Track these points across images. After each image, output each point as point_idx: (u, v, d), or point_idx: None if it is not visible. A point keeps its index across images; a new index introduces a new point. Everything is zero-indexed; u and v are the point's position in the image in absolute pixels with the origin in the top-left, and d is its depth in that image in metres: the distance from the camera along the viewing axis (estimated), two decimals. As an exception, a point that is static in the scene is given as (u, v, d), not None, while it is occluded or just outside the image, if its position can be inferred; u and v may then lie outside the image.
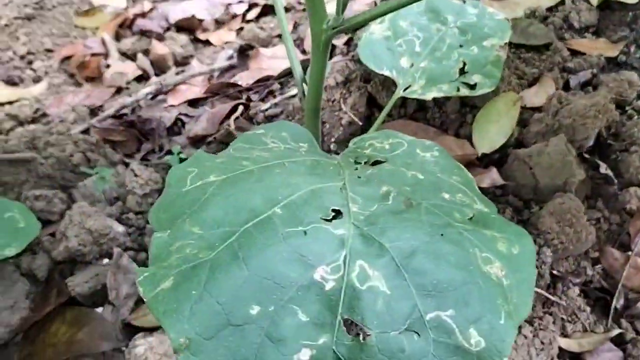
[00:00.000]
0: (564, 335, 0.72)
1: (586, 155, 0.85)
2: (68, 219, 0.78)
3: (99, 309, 0.73)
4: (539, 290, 0.71)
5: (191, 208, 0.42)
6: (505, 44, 0.92)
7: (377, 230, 0.41)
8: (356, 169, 0.53)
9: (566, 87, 0.99)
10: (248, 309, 0.35)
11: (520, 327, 0.66)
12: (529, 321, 0.67)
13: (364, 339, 0.36)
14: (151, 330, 0.72)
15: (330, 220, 0.41)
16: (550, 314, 0.72)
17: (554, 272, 0.75)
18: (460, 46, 0.92)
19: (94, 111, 1.19)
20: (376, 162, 0.55)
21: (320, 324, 0.36)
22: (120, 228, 0.83)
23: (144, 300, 0.36)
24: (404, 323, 0.37)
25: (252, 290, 0.36)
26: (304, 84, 0.77)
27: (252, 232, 0.39)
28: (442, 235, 0.41)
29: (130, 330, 0.73)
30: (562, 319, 0.73)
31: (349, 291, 0.37)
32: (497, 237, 0.44)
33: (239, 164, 0.48)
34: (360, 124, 0.96)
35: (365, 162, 0.55)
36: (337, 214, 0.42)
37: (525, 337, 0.64)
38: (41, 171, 0.91)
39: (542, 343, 0.65)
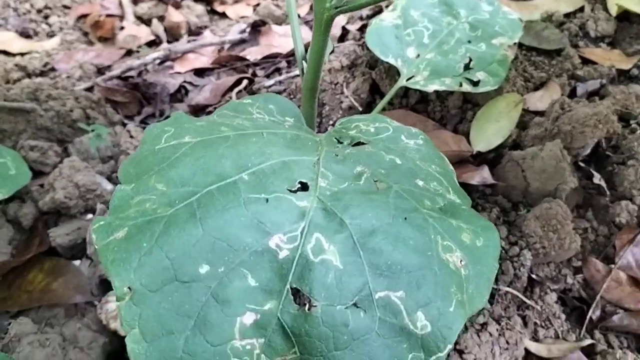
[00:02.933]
0: (535, 339, 0.71)
1: (581, 164, 0.84)
2: (58, 171, 0.79)
3: (77, 262, 0.74)
4: (513, 291, 0.71)
5: (160, 165, 0.42)
6: (515, 44, 0.91)
7: (340, 206, 0.41)
8: (337, 147, 0.53)
9: (573, 94, 0.97)
10: (197, 268, 0.36)
11: (486, 325, 0.65)
12: (497, 320, 0.67)
13: (309, 309, 0.36)
14: (126, 288, 0.73)
15: (295, 192, 0.41)
16: (524, 317, 0.72)
17: (533, 276, 0.75)
18: (469, 42, 0.91)
19: (100, 70, 1.19)
20: (358, 144, 0.54)
21: (268, 290, 0.36)
22: (109, 186, 0.84)
23: (96, 247, 0.36)
24: (352, 299, 0.37)
25: (204, 250, 0.36)
26: (303, 62, 0.76)
27: (215, 194, 0.39)
28: (405, 218, 0.41)
29: (105, 286, 0.74)
30: (536, 323, 0.73)
31: (302, 261, 0.37)
32: (463, 227, 0.44)
33: (218, 129, 0.48)
34: (360, 109, 0.95)
35: (348, 143, 0.55)
36: (304, 186, 0.42)
37: (491, 334, 0.64)
38: (39, 123, 0.91)
39: (507, 343, 0.65)
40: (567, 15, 1.13)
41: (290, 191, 0.41)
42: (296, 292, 0.37)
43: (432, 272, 0.39)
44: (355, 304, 0.36)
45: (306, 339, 0.35)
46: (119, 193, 0.40)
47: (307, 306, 0.36)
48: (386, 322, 0.36)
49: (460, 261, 0.41)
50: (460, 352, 0.61)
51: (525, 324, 0.70)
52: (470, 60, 0.87)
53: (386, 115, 0.95)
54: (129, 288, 0.34)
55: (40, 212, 0.79)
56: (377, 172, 0.47)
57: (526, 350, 0.68)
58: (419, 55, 0.90)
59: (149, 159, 0.44)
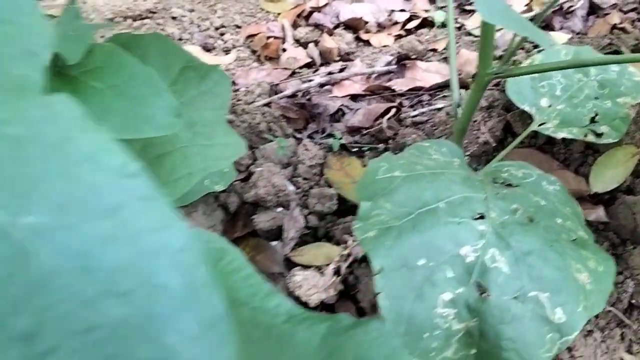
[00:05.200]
0: (630, 352, 0.88)
1: (688, 214, 0.98)
2: (259, 173, 1.04)
3: (273, 243, 0.99)
4: (615, 310, 0.87)
5: (383, 191, 0.65)
6: (638, 103, 1.06)
7: (507, 232, 0.61)
8: (495, 187, 0.73)
9: (687, 149, 1.10)
10: (418, 260, 0.57)
11: (592, 332, 0.83)
12: (601, 329, 0.84)
13: (485, 297, 0.57)
14: (305, 266, 0.97)
15: (475, 219, 0.62)
16: (622, 333, 0.88)
17: (633, 301, 0.91)
18: (596, 98, 1.07)
19: (272, 88, 1.45)
20: (509, 185, 0.74)
21: (460, 280, 0.57)
22: (291, 187, 1.08)
23: (358, 239, 0.59)
24: (514, 294, 0.57)
25: (422, 250, 0.58)
26: (458, 109, 0.97)
27: (424, 215, 0.61)
28: (551, 246, 0.61)
29: (290, 264, 0.98)
30: (631, 339, 0.89)
31: (482, 266, 0.58)
32: (589, 256, 0.63)
33: (414, 167, 0.70)
34: (494, 145, 1.14)
35: (501, 183, 0.75)
36: (481, 216, 0.63)
37: (595, 339, 0.81)
38: (238, 132, 1.18)
39: (607, 348, 0.82)
40: (690, 74, 1.25)
41: (473, 218, 0.62)
42: (478, 285, 0.57)
43: (567, 284, 0.58)
44: (515, 297, 0.57)
45: (483, 314, 0.56)
46: (364, 206, 0.63)
47: (484, 294, 0.57)
48: (536, 312, 0.56)
49: (587, 279, 0.60)
50: (570, 349, 0.79)
51: (622, 339, 0.86)
52: (596, 114, 1.04)
53: (516, 153, 1.13)
54: (380, 267, 0.56)
55: (243, 202, 1.05)
56: (527, 210, 0.67)
57: (621, 359, 0.85)
58: (550, 105, 1.07)
59: (374, 185, 0.66)
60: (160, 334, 0.24)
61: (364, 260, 0.98)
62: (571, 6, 1.67)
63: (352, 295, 0.93)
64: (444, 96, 1.34)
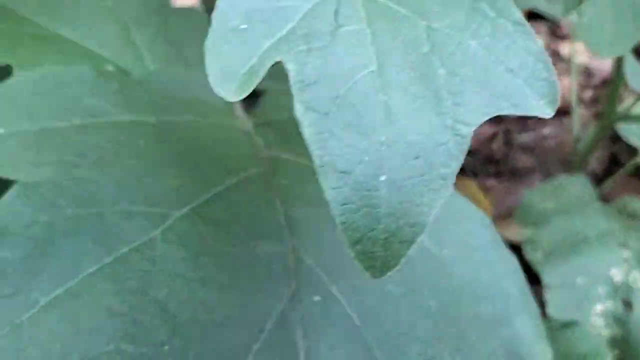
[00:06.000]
0: None
1: None
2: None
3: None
4: None
5: (542, 220, 0.81)
6: None
7: (644, 260, 0.77)
8: (625, 218, 0.88)
9: None
10: (576, 279, 0.74)
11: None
12: None
13: (630, 310, 0.73)
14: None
15: (620, 248, 0.78)
16: None
17: None
18: (699, 137, 1.20)
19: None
20: (636, 218, 0.90)
21: (609, 296, 0.74)
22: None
23: (529, 260, 0.76)
24: (653, 310, 0.73)
25: (580, 271, 0.74)
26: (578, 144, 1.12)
27: (579, 242, 0.77)
28: (680, 273, 0.76)
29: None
30: None
31: (627, 286, 0.74)
32: None
33: (561, 200, 0.86)
34: (599, 173, 1.29)
35: (628, 215, 0.90)
36: (623, 245, 0.79)
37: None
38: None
39: None
40: None
41: (617, 246, 0.78)
42: (623, 300, 0.74)
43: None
44: (653, 312, 0.73)
45: (626, 324, 0.72)
46: (529, 232, 0.79)
47: (630, 307, 0.73)
48: (669, 324, 0.72)
49: None
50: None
51: None
52: (699, 152, 1.17)
53: (620, 182, 1.28)
54: (548, 284, 0.73)
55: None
56: (656, 241, 0.82)
57: None
58: (655, 141, 1.21)
59: (534, 215, 0.83)
60: (512, 321, 0.42)
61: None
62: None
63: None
64: (548, 123, 1.48)
